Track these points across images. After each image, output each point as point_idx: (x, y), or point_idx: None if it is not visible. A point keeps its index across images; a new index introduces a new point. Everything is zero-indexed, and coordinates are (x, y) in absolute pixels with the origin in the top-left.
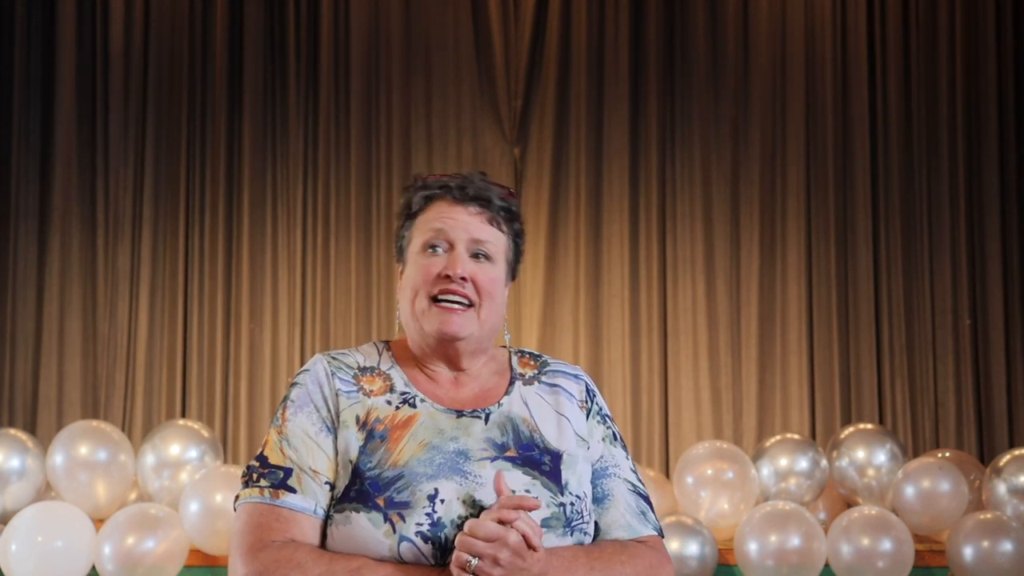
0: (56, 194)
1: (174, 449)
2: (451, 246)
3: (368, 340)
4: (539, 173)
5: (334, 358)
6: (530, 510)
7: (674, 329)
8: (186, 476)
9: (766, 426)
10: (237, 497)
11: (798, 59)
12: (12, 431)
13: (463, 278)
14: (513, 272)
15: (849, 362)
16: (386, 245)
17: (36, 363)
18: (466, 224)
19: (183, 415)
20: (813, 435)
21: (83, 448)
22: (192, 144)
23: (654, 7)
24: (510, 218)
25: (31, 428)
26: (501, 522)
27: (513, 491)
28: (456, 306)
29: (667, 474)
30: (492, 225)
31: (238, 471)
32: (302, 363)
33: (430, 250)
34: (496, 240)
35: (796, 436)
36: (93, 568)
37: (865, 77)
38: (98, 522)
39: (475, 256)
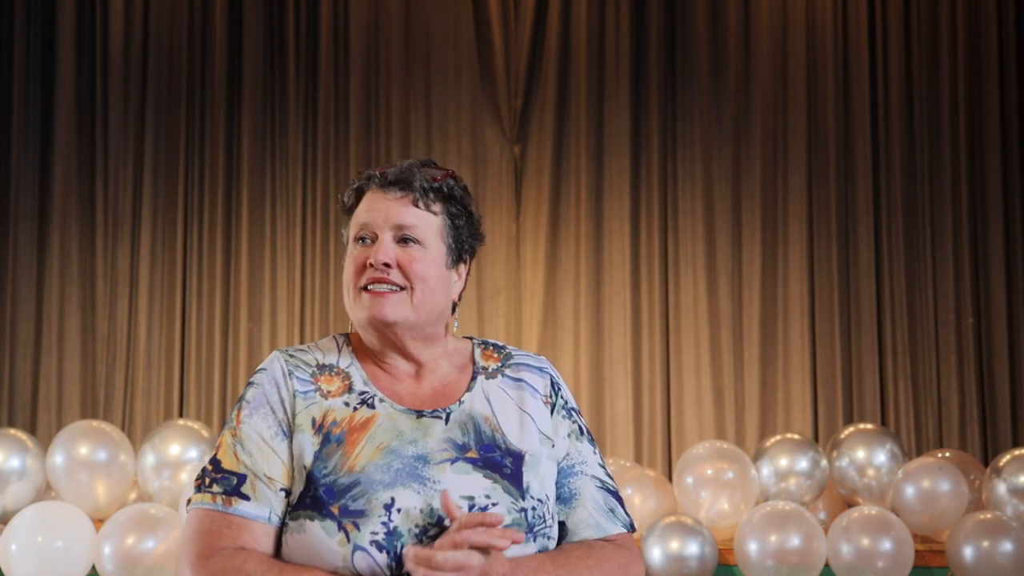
0: (55, 194)
1: (174, 449)
2: (376, 235)
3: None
4: (539, 171)
5: (292, 355)
6: (492, 526)
7: (676, 327)
8: (186, 476)
9: (768, 425)
10: (189, 501)
11: (799, 57)
12: (12, 431)
13: (386, 264)
14: (460, 254)
15: (851, 361)
16: None
17: (36, 363)
18: (387, 210)
19: (181, 414)
20: (815, 434)
21: (83, 448)
22: (191, 143)
23: (655, 5)
24: (441, 199)
25: (31, 428)
26: (456, 545)
27: (472, 498)
28: (385, 290)
29: (669, 472)
30: (418, 207)
31: None
32: None
33: (360, 242)
34: (424, 222)
35: (796, 436)
36: (93, 568)
37: (866, 74)
38: (98, 522)
39: (403, 241)
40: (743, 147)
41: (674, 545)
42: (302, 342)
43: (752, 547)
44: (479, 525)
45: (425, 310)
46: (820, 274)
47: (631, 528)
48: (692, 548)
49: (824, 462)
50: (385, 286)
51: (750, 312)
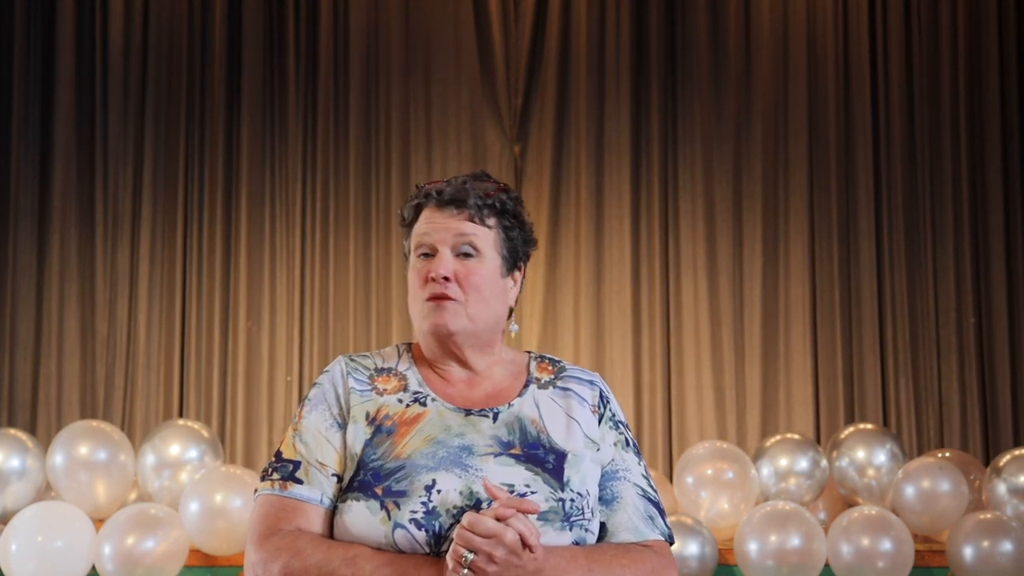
0: (55, 193)
1: (174, 449)
2: (436, 250)
3: (366, 338)
4: (539, 171)
5: (353, 359)
6: (529, 513)
7: (676, 327)
8: (186, 476)
9: (769, 425)
10: (256, 491)
11: (800, 56)
12: (12, 431)
13: (445, 278)
14: (515, 263)
15: (853, 360)
16: (385, 243)
17: (35, 363)
18: (445, 226)
19: (181, 414)
20: (817, 434)
21: (83, 448)
22: (191, 143)
23: (655, 5)
24: (495, 213)
25: (31, 428)
26: (499, 519)
27: (512, 487)
28: (444, 301)
29: (670, 472)
30: (473, 222)
31: (238, 471)
32: (300, 362)
33: (422, 256)
34: (479, 234)
35: (796, 436)
36: (93, 568)
37: (867, 74)
38: (98, 522)
39: (462, 255)
40: (744, 146)
41: (674, 545)
42: (301, 342)
43: (752, 547)
44: (517, 508)
45: (481, 319)
46: (821, 273)
47: (670, 540)
48: (692, 548)
49: (824, 462)
50: (445, 298)
51: (751, 311)
